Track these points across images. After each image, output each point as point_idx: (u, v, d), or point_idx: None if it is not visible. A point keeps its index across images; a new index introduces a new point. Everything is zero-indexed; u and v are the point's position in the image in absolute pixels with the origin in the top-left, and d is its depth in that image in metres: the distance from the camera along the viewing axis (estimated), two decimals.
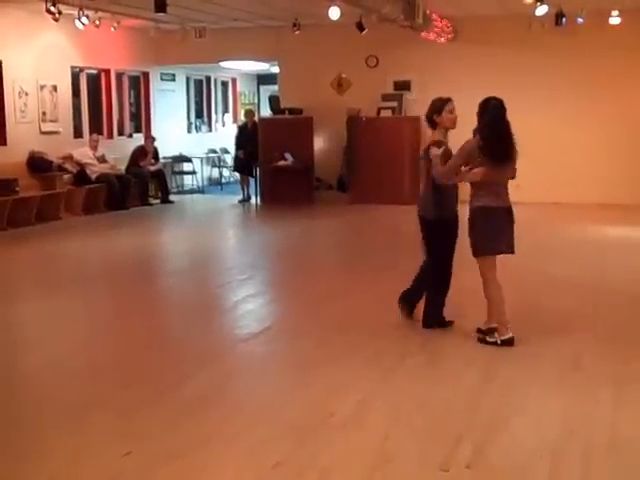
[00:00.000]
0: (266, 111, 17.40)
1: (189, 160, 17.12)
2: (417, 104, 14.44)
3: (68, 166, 13.45)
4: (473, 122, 5.70)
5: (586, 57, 13.52)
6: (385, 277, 8.30)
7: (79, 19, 11.88)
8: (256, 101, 20.91)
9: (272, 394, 4.91)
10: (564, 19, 12.38)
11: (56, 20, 11.12)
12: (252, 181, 15.46)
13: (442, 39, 13.75)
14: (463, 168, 5.75)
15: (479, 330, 5.90)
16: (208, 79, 18.76)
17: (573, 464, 3.83)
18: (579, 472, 3.75)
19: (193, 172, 17.31)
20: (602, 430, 4.21)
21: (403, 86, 14.73)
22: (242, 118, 17.80)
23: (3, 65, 12.56)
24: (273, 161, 14.80)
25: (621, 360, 5.38)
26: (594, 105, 13.70)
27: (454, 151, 5.83)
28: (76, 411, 4.55)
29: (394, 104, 14.51)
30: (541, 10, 11.35)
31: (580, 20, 12.77)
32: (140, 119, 16.41)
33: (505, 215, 5.75)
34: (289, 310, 7.19)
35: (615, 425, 4.28)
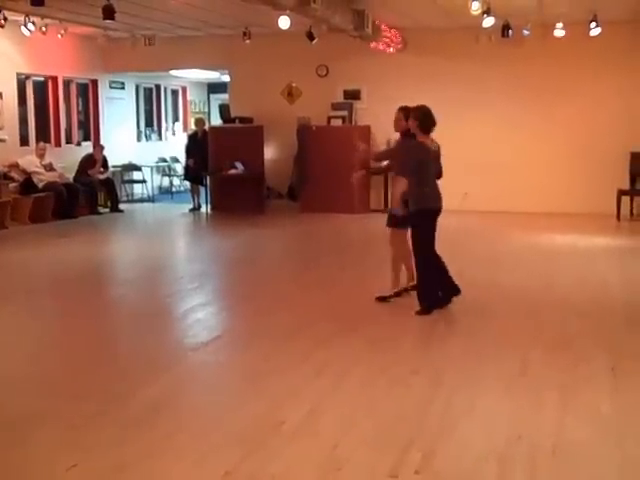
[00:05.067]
0: (216, 120, 17.35)
1: (139, 169, 16.96)
2: (367, 113, 14.59)
3: (14, 174, 13.24)
4: None
5: (532, 68, 13.77)
6: (333, 286, 8.36)
7: (25, 25, 11.74)
8: (206, 110, 20.83)
9: (222, 403, 4.88)
10: (510, 31, 12.60)
11: (1, 26, 10.97)
12: (202, 190, 15.40)
13: (391, 49, 13.88)
14: None
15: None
16: (158, 87, 18.64)
17: (520, 469, 3.88)
18: (526, 476, 3.81)
19: (143, 181, 17.14)
20: (548, 435, 4.27)
21: (353, 95, 14.83)
22: (192, 127, 17.71)
23: None
24: (223, 170, 14.76)
25: (567, 365, 5.48)
26: (540, 115, 13.94)
27: None
28: (21, 424, 4.45)
29: (344, 113, 14.60)
30: (488, 22, 11.53)
31: (526, 32, 13.01)
32: (89, 127, 16.21)
33: None
34: (239, 319, 7.16)
35: (561, 430, 4.35)
